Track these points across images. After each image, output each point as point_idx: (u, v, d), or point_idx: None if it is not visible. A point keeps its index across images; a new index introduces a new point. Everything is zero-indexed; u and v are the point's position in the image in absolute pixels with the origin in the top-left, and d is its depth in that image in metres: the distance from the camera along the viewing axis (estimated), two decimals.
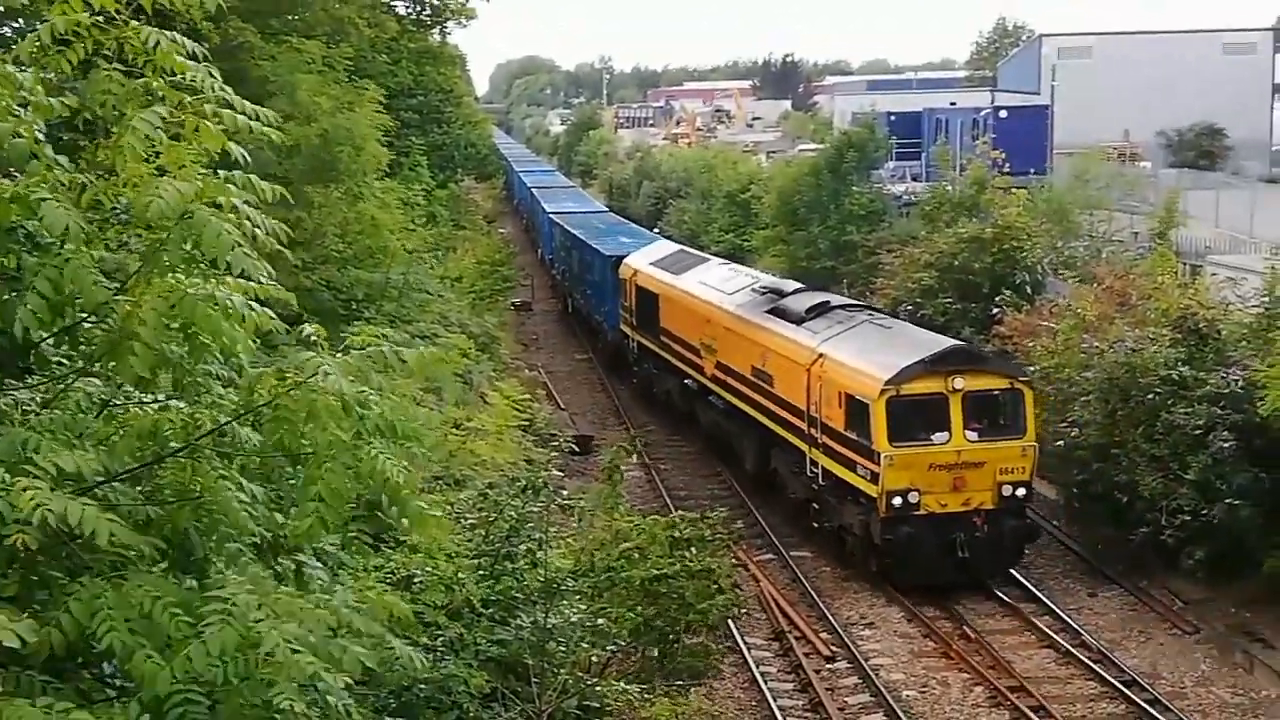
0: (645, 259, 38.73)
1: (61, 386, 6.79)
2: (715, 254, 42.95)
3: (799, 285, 31.49)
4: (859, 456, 23.44)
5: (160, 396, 6.87)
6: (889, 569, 23.72)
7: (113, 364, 6.30)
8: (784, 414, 26.59)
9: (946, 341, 25.28)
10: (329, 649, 6.26)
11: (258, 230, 6.57)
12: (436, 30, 42.27)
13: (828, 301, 28.00)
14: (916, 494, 22.78)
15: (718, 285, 32.51)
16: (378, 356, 6.71)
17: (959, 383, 23.00)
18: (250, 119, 6.67)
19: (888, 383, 22.81)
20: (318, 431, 6.39)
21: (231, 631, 5.80)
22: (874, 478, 22.88)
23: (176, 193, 6.05)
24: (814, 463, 25.17)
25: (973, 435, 23.21)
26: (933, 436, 23.04)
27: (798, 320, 27.11)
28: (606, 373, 42.94)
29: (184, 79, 6.48)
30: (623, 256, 40.79)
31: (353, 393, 6.42)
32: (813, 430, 25.10)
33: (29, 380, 6.94)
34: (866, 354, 24.36)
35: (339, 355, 6.71)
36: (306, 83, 23.59)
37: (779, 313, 28.11)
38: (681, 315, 33.55)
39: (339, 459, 6.40)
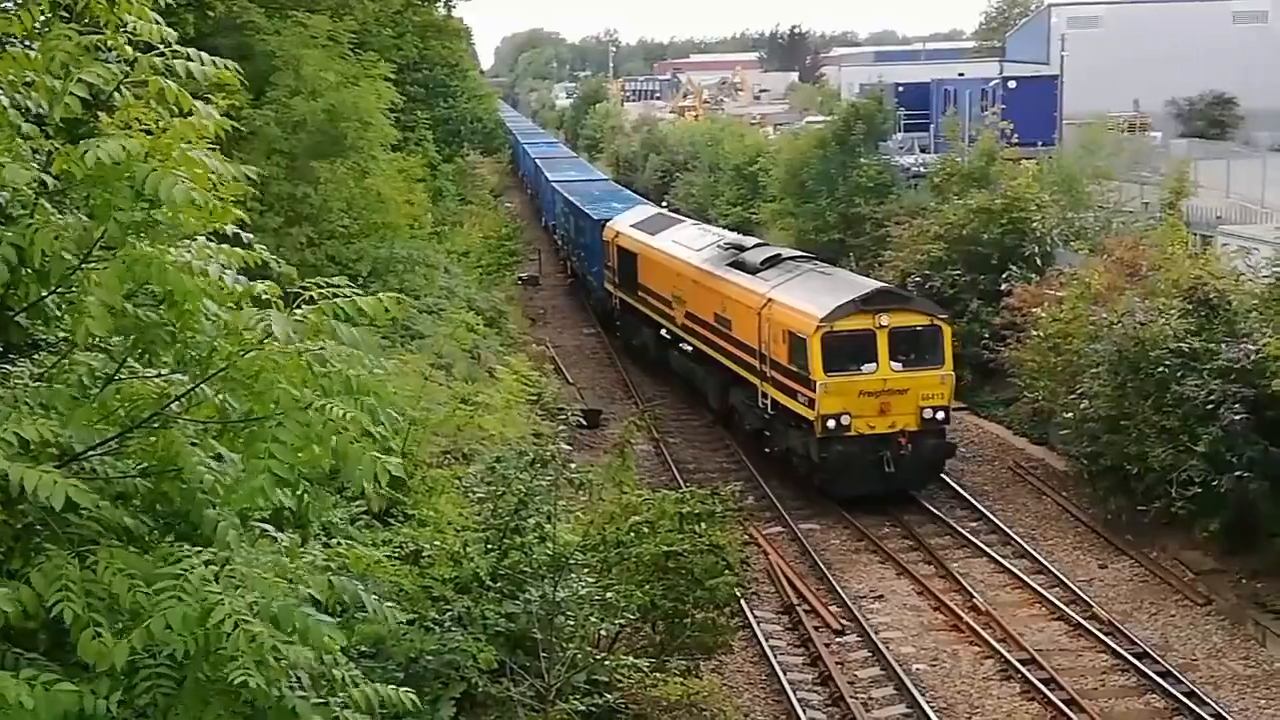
0: (626, 222, 41.64)
1: (59, 358, 6.70)
2: (724, 227, 43.36)
3: (758, 241, 35.59)
4: (799, 386, 26.67)
5: (164, 371, 6.79)
6: (827, 483, 26.92)
7: (74, 327, 6.19)
8: (741, 354, 29.89)
9: (875, 284, 28.96)
10: (292, 619, 6.17)
11: (217, 180, 6.40)
12: (441, 3, 42.08)
13: (779, 254, 31.57)
14: (848, 417, 25.99)
15: (687, 243, 35.70)
16: (331, 308, 6.54)
17: (885, 320, 26.32)
18: (202, 78, 6.48)
19: (822, 320, 26.08)
20: (267, 391, 6.29)
21: (185, 607, 5.75)
22: (811, 404, 26.15)
23: (119, 147, 5.92)
24: (764, 395, 28.49)
25: (897, 365, 26.40)
26: (862, 367, 26.29)
27: (753, 271, 30.38)
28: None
29: (141, 36, 6.30)
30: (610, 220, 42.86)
31: (298, 348, 6.24)
32: (763, 366, 28.41)
33: (34, 355, 6.86)
34: (807, 297, 27.68)
35: (295, 310, 6.54)
36: (312, 57, 23.47)
37: (738, 265, 31.38)
38: (656, 271, 36.63)
39: (291, 416, 6.30)
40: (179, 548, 6.20)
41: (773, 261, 30.57)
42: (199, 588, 5.82)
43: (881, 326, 26.21)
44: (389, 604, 7.26)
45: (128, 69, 6.29)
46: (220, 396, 6.51)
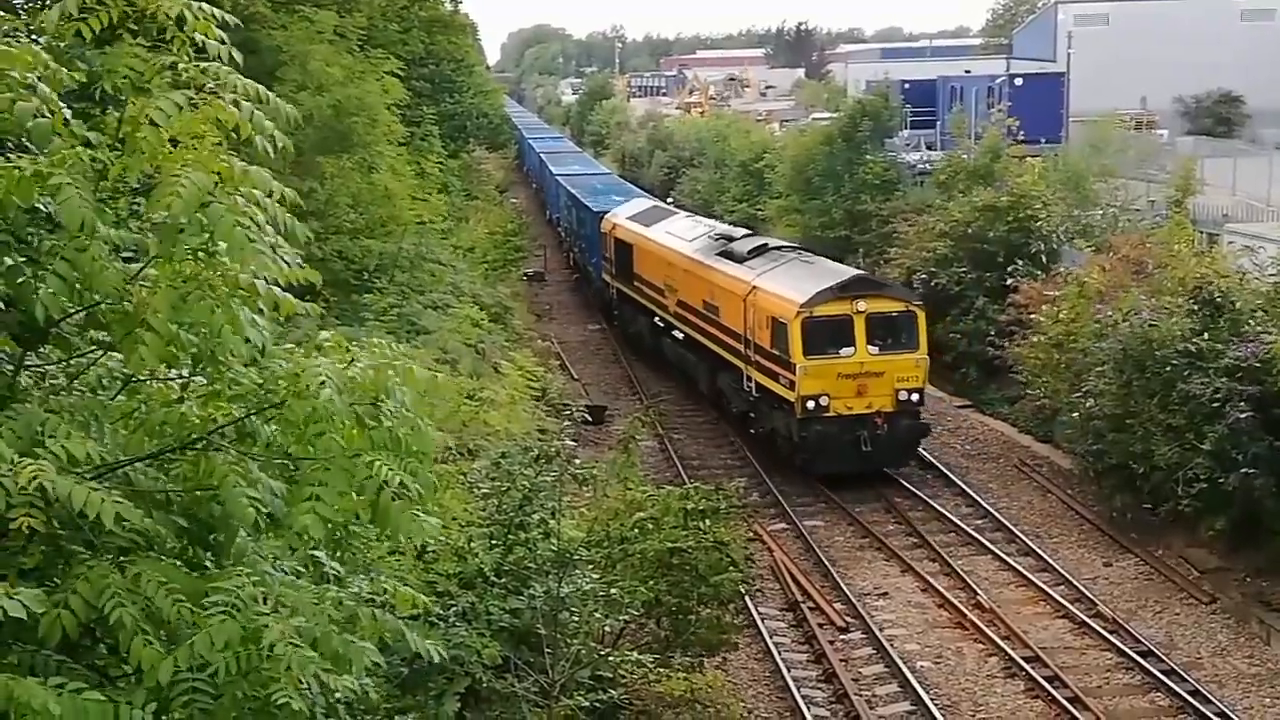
0: (623, 214, 42.65)
1: (86, 362, 6.71)
2: (730, 223, 43.37)
3: (746, 231, 36.66)
4: (781, 369, 27.77)
5: (184, 372, 6.79)
6: (807, 462, 27.94)
7: (127, 351, 6.19)
8: (728, 339, 31.03)
9: (853, 272, 30.18)
10: (335, 645, 6.18)
11: (269, 220, 6.45)
12: None
13: (766, 244, 32.77)
14: (827, 398, 27.12)
15: (680, 234, 36.81)
16: (383, 374, 6.58)
17: (862, 305, 27.39)
18: (266, 108, 6.50)
19: (802, 306, 27.21)
20: (318, 437, 6.32)
21: (234, 624, 5.74)
22: (792, 385, 27.28)
23: (195, 187, 5.92)
24: (749, 378, 29.67)
25: (874, 349, 27.45)
26: (840, 350, 27.37)
27: (740, 260, 31.50)
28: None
29: (201, 65, 6.30)
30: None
31: (346, 407, 6.31)
32: (748, 351, 29.60)
33: (53, 357, 6.84)
34: (789, 284, 28.74)
35: (351, 363, 6.57)
36: (318, 53, 23.48)
37: (726, 255, 32.47)
38: (651, 262, 37.84)
39: (339, 465, 6.35)
40: (228, 567, 6.20)
41: (759, 251, 31.66)
42: (249, 606, 5.83)
43: (859, 312, 27.27)
44: (426, 639, 7.28)
45: (191, 95, 6.28)
46: (271, 431, 6.53)
